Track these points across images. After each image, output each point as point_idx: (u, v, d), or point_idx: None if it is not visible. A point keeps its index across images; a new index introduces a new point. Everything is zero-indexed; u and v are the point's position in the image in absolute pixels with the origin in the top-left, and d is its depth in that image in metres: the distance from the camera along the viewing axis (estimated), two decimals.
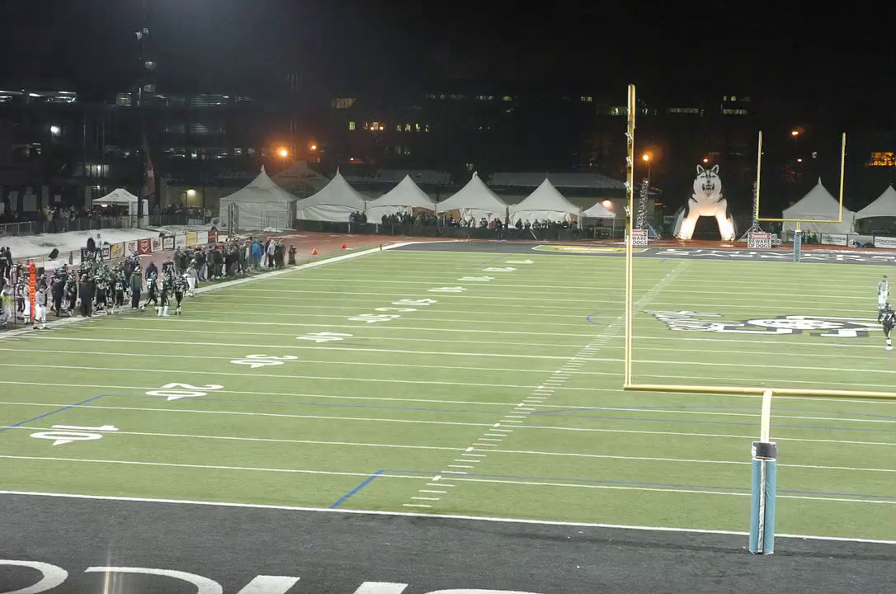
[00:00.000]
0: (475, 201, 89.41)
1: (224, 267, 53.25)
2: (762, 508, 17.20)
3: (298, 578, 15.85)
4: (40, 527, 17.80)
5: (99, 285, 41.22)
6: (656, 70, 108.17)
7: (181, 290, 42.36)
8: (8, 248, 54.09)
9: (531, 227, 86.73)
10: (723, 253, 76.95)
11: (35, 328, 37.31)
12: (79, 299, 40.44)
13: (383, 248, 72.56)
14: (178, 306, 41.43)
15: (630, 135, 18.31)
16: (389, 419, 25.71)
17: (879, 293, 43.96)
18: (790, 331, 40.81)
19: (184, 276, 44.35)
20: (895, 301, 41.83)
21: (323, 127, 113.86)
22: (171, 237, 71.65)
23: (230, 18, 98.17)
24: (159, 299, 41.36)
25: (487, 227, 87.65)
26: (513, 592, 15.61)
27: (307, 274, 57.40)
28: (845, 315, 44.83)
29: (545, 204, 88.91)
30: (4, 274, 47.50)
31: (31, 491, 19.64)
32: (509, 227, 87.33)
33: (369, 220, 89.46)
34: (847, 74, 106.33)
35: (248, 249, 56.99)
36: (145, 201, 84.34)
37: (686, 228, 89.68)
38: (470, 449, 23.08)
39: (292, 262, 59.74)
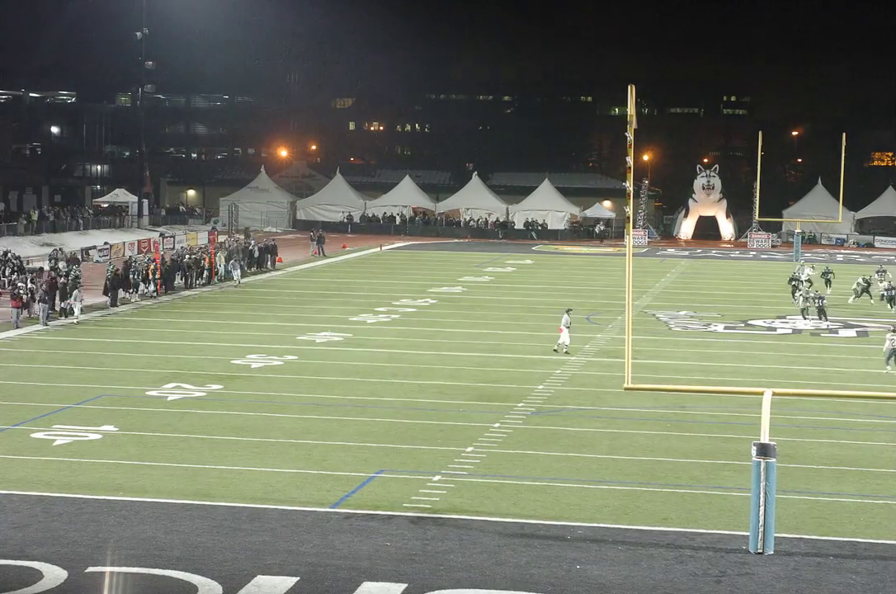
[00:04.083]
0: (475, 201, 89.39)
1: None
2: (762, 508, 17.21)
3: (298, 578, 15.85)
4: (40, 527, 17.80)
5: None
6: (656, 70, 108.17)
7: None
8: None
9: (530, 228, 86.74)
10: (723, 253, 76.95)
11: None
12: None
13: (383, 248, 72.58)
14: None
15: (630, 135, 18.32)
16: (389, 419, 25.71)
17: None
18: (790, 331, 40.82)
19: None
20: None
21: (323, 127, 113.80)
22: (171, 237, 71.62)
23: (230, 19, 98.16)
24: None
25: (488, 227, 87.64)
26: (513, 592, 15.61)
27: (307, 274, 57.40)
28: (845, 315, 44.81)
29: (545, 204, 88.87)
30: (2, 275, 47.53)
31: (31, 491, 19.65)
32: (515, 227, 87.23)
33: (369, 220, 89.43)
34: (847, 74, 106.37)
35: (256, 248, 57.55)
36: (145, 201, 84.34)
37: (686, 228, 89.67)
38: (470, 449, 23.08)
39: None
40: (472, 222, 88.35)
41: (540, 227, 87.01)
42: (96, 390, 28.05)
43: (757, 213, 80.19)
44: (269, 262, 57.99)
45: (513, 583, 15.91)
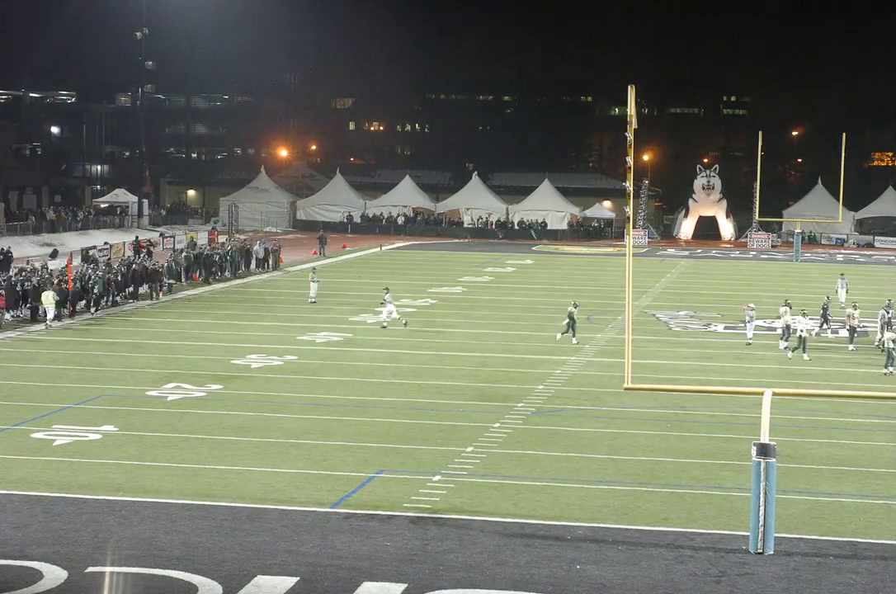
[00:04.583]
0: (475, 201, 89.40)
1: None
2: (762, 508, 17.20)
3: (298, 578, 15.85)
4: (40, 527, 17.80)
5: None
6: (656, 70, 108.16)
7: None
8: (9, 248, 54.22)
9: (531, 229, 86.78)
10: (723, 253, 76.97)
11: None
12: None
13: (383, 248, 72.57)
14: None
15: (630, 135, 18.31)
16: (389, 419, 25.71)
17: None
18: None
19: None
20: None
21: (323, 127, 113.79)
22: (171, 237, 71.59)
23: (230, 19, 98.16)
24: None
25: (488, 226, 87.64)
26: (513, 592, 15.60)
27: (307, 274, 57.32)
28: (844, 315, 44.72)
29: (545, 204, 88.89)
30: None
31: (31, 491, 19.64)
32: (515, 228, 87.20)
33: (369, 220, 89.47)
34: (847, 74, 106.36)
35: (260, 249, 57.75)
36: (145, 201, 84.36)
37: (686, 228, 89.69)
38: (470, 449, 23.08)
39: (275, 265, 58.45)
40: (471, 222, 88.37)
41: (539, 227, 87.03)
42: (96, 390, 28.05)
43: (757, 213, 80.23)
44: (270, 263, 58.18)
45: (513, 583, 15.90)
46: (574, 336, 36.35)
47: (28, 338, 35.91)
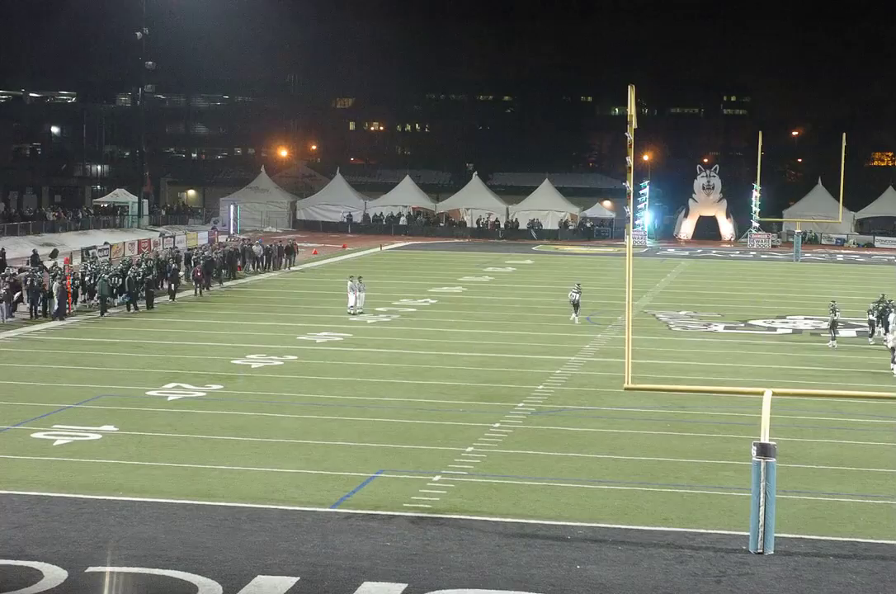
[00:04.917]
0: (475, 201, 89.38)
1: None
2: (762, 508, 17.20)
3: (298, 578, 15.85)
4: (40, 527, 17.80)
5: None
6: (656, 70, 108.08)
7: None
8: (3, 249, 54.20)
9: (532, 228, 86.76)
10: (723, 253, 76.95)
11: None
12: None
13: (383, 248, 72.58)
14: None
15: (630, 135, 18.31)
16: (389, 419, 25.71)
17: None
18: (790, 331, 40.81)
19: None
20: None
21: (323, 127, 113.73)
22: (171, 237, 71.59)
23: (230, 18, 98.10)
24: None
25: (488, 227, 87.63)
26: (513, 592, 15.61)
27: (307, 274, 57.37)
28: (846, 315, 44.77)
29: (545, 204, 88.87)
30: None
31: (31, 491, 19.65)
32: (519, 227, 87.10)
33: (370, 220, 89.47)
34: (847, 74, 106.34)
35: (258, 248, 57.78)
36: (145, 201, 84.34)
37: (686, 228, 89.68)
38: (470, 449, 23.08)
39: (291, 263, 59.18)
40: (471, 222, 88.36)
41: (538, 227, 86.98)
42: (96, 390, 28.05)
43: (757, 213, 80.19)
44: (281, 263, 58.22)
45: (513, 583, 15.91)
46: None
47: (29, 338, 35.92)
